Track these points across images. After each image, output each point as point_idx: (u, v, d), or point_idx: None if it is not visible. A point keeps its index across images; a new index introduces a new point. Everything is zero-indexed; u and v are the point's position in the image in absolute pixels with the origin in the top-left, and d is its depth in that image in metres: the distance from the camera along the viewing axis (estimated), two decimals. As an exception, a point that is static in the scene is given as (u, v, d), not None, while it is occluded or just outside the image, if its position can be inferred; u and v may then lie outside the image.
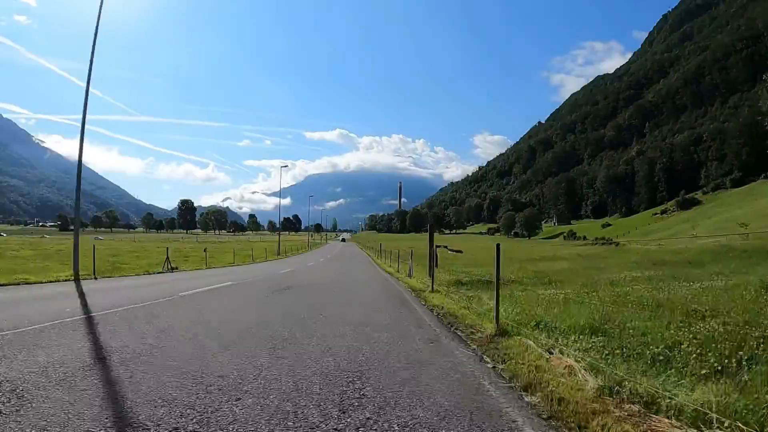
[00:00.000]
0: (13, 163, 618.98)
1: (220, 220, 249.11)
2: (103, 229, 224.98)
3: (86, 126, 14.02)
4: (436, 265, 10.77)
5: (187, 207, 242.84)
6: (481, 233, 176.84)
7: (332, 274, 20.04)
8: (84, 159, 14.22)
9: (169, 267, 20.44)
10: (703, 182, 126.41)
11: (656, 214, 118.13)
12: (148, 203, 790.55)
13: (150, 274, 18.07)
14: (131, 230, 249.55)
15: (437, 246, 11.04)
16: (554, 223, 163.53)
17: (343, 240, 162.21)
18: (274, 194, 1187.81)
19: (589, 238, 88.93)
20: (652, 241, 47.10)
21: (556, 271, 15.24)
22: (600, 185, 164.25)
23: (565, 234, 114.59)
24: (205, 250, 27.05)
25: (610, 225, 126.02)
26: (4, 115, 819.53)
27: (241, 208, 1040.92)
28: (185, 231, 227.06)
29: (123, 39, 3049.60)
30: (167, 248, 22.10)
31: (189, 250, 42.28)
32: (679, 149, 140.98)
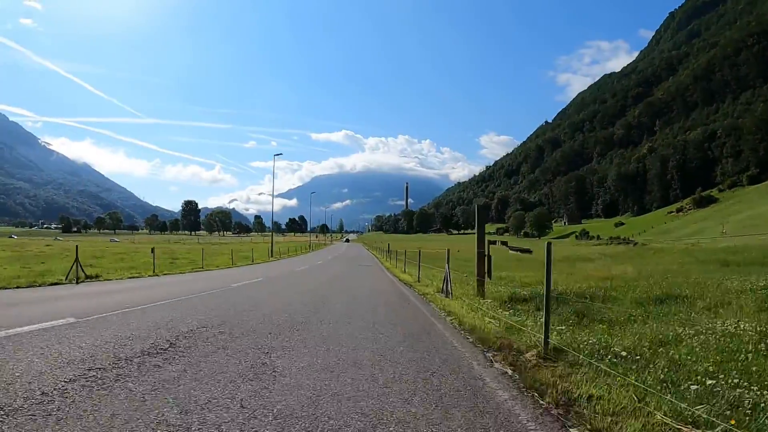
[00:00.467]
0: (19, 165, 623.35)
1: (224, 221, 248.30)
2: (106, 230, 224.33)
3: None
4: (489, 275, 6.32)
5: (190, 208, 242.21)
6: (489, 233, 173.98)
7: (320, 287, 13.43)
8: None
9: (78, 275, 13.76)
10: (719, 179, 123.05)
11: (671, 212, 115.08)
12: (154, 205, 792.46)
13: (37, 286, 11.93)
14: (134, 232, 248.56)
15: (491, 242, 6.87)
16: (564, 223, 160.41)
17: (347, 240, 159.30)
18: (280, 195, 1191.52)
19: (603, 237, 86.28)
20: (678, 240, 44.33)
21: (625, 279, 11.87)
22: (611, 184, 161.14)
23: (577, 233, 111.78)
24: (152, 250, 21.86)
25: (623, 224, 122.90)
26: (11, 118, 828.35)
27: (247, 209, 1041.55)
28: (189, 232, 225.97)
29: (128, 41, 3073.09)
30: (76, 247, 15.64)
31: (186, 251, 40.07)
32: (692, 146, 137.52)
